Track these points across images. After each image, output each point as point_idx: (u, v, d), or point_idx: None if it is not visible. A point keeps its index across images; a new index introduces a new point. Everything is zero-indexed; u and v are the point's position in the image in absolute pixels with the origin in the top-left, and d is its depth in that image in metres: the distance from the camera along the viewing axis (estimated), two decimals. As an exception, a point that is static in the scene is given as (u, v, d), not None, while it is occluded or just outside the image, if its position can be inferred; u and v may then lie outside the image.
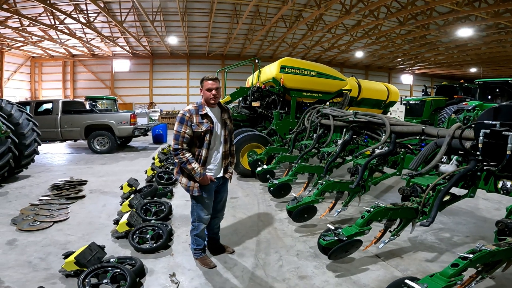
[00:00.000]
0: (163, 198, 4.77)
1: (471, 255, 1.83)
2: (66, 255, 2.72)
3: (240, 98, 7.77)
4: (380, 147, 3.83)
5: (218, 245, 3.18)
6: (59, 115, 9.32)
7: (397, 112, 14.99)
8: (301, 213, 3.56)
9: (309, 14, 14.01)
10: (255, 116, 7.47)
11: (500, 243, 1.98)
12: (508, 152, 2.33)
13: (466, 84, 13.85)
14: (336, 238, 2.61)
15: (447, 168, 2.91)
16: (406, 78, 30.04)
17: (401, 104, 14.28)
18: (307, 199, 3.63)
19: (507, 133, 2.35)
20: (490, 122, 2.49)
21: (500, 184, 2.61)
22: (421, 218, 2.72)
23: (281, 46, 21.09)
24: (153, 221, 3.69)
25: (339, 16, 13.94)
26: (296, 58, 7.44)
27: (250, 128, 7.12)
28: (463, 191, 2.89)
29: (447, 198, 2.79)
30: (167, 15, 15.54)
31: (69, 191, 5.29)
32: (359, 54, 21.03)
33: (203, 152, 2.70)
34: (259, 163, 5.61)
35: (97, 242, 2.92)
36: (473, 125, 2.75)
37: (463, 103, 10.62)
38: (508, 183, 2.53)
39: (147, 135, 11.33)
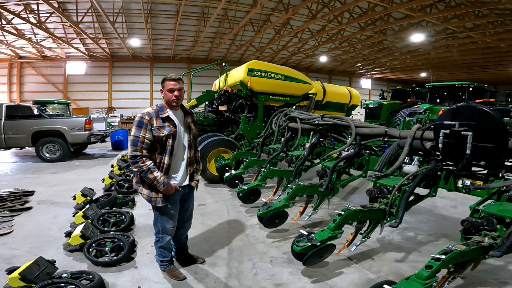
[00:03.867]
0: (123, 208, 4.43)
1: (443, 256, 1.83)
2: (10, 271, 2.44)
3: (207, 102, 7.56)
4: (346, 150, 3.86)
5: (187, 255, 2.97)
6: (3, 121, 8.38)
7: (358, 115, 15.66)
8: (272, 218, 3.48)
9: (277, 18, 14.23)
10: (222, 120, 7.29)
11: (468, 243, 2.00)
12: (468, 152, 2.42)
13: (417, 88, 14.84)
14: (309, 244, 2.55)
15: (410, 168, 2.98)
16: (365, 83, 31.74)
17: (361, 107, 14.94)
18: (278, 204, 3.56)
19: (466, 133, 2.43)
20: (449, 122, 2.56)
21: (459, 183, 2.71)
22: (389, 219, 2.76)
23: (249, 50, 21.15)
24: (112, 232, 3.38)
25: (305, 20, 14.35)
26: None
27: (217, 133, 6.94)
28: (426, 191, 2.98)
29: (412, 198, 2.85)
30: (130, 16, 14.84)
31: (13, 202, 4.74)
32: (323, 58, 21.79)
33: (166, 159, 2.49)
34: (227, 168, 5.45)
35: (48, 256, 2.62)
36: (432, 126, 2.82)
37: (416, 106, 11.32)
38: (468, 182, 2.63)
39: (105, 141, 10.64)
